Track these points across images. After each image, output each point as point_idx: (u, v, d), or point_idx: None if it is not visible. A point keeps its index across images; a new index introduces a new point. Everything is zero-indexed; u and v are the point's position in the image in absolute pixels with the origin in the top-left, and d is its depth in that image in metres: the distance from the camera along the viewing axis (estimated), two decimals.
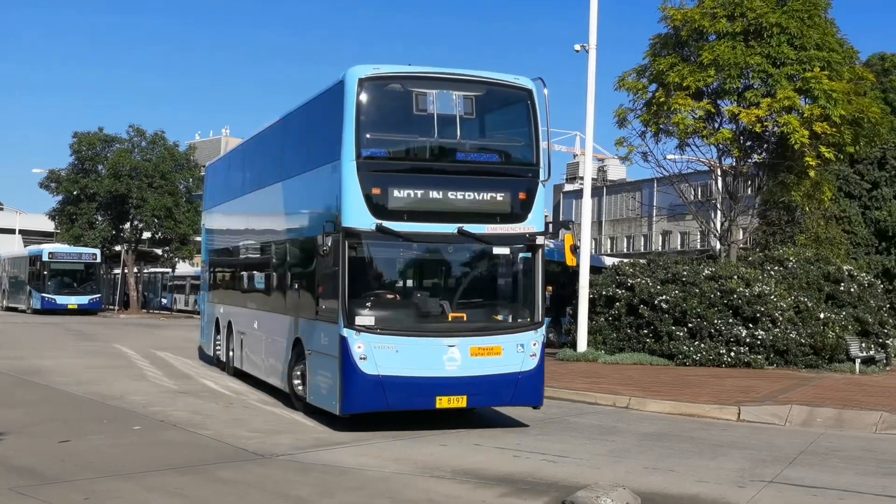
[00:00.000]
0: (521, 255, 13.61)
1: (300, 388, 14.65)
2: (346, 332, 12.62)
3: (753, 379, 20.61)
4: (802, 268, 26.23)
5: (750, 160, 28.82)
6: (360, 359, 12.58)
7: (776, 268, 26.24)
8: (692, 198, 35.63)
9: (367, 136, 12.83)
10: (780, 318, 23.83)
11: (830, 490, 10.33)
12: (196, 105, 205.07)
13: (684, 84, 26.34)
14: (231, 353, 20.14)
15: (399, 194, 12.89)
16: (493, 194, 13.31)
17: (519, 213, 13.40)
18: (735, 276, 24.43)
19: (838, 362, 24.36)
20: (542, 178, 13.49)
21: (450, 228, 13.01)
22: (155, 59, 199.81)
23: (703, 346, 23.82)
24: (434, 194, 13.11)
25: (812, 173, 26.49)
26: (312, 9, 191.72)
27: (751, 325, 23.79)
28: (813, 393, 18.47)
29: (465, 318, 13.41)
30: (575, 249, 17.09)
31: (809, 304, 24.70)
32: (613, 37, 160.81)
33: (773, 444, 12.94)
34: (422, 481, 10.18)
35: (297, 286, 15.41)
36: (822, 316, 24.51)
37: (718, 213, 34.16)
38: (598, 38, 25.21)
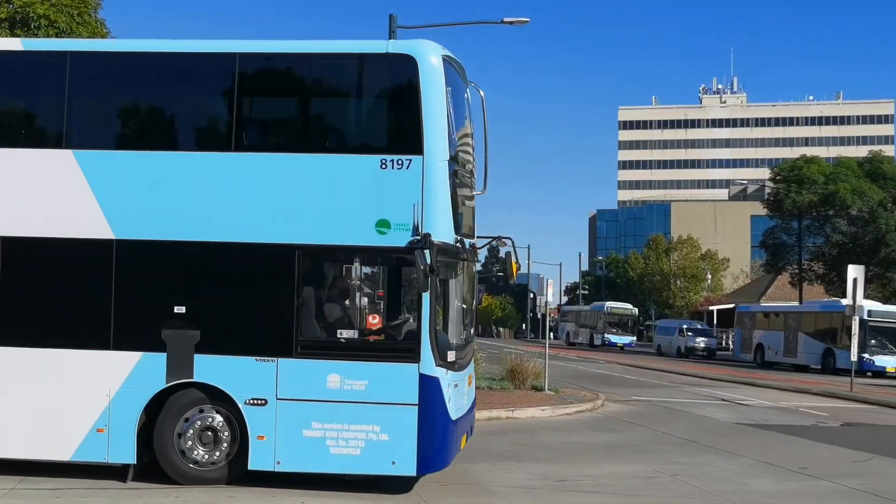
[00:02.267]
0: None
1: (207, 453, 10.65)
2: (437, 371, 10.26)
3: None
4: None
5: None
6: (448, 402, 10.36)
7: None
8: None
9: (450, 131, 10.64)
10: None
11: None
12: None
13: None
14: None
15: (461, 204, 11.10)
16: None
17: None
18: None
19: None
20: None
21: (467, 242, 11.54)
22: None
23: None
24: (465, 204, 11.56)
25: None
26: None
27: None
28: None
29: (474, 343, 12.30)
30: None
31: None
32: None
33: None
34: None
35: (212, 309, 10.73)
36: None
37: None
38: None
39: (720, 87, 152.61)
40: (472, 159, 12.07)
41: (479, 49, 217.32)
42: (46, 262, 11.00)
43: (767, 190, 68.06)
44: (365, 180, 10.46)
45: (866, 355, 38.20)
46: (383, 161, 10.40)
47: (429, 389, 10.25)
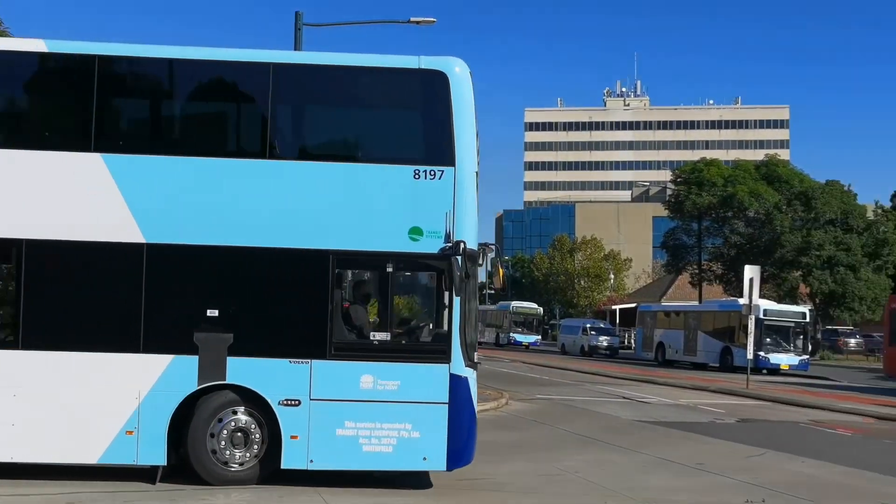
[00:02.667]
0: None
1: (239, 453, 10.80)
2: (467, 371, 10.84)
3: None
4: None
5: None
6: (474, 399, 11.00)
7: None
8: None
9: None
10: None
11: None
12: None
13: None
14: None
15: None
16: None
17: None
18: None
19: None
20: None
21: None
22: None
23: None
24: None
25: None
26: None
27: None
28: None
29: None
30: None
31: None
32: None
33: None
34: None
35: (246, 313, 10.87)
36: None
37: None
38: None
39: (624, 90, 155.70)
40: None
41: (384, 50, 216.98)
42: (75, 266, 10.88)
43: (669, 192, 69.64)
44: (398, 189, 10.89)
45: (762, 353, 39.34)
46: (416, 171, 10.85)
47: (459, 389, 10.81)
